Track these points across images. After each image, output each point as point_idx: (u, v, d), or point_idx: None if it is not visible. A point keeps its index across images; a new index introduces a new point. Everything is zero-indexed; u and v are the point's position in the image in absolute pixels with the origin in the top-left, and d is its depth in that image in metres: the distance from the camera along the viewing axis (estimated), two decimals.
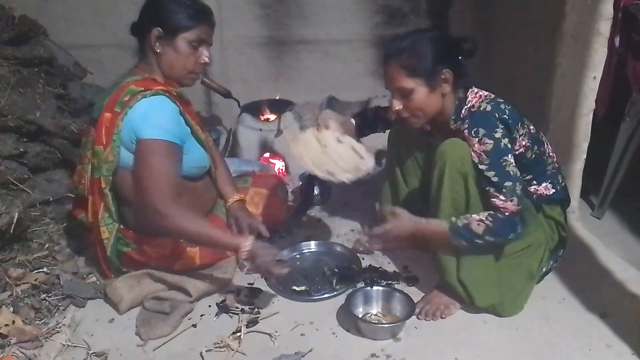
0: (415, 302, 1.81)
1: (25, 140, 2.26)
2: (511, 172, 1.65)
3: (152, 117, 1.72)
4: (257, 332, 1.75)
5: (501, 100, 1.74)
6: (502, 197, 1.64)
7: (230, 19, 3.26)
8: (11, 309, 1.79)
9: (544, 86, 2.26)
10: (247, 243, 1.72)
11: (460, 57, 1.74)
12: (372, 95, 3.25)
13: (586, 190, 2.32)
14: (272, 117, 3.08)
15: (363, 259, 2.14)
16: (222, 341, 1.69)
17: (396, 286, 1.94)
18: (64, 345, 1.68)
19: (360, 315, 1.78)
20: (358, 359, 1.63)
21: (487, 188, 1.66)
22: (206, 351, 1.66)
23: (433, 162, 1.75)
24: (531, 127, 1.77)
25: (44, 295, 1.90)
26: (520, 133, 1.72)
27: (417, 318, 1.79)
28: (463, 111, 1.75)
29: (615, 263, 1.88)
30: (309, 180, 2.63)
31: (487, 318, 1.79)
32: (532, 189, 1.81)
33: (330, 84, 3.48)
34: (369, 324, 1.74)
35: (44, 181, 2.33)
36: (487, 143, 1.64)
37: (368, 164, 1.83)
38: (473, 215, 1.67)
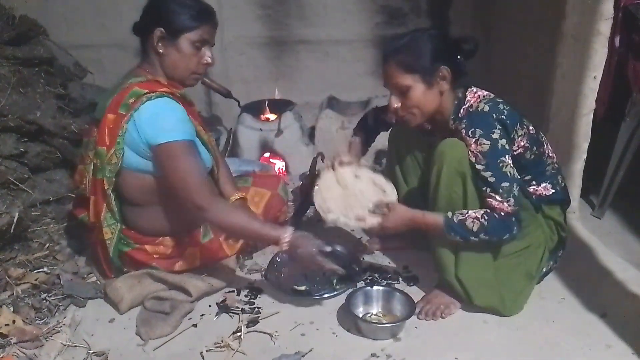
0: (415, 301, 1.81)
1: (25, 140, 2.26)
2: (508, 173, 1.65)
3: (162, 120, 1.72)
4: (257, 331, 1.76)
5: (500, 101, 1.74)
6: (498, 198, 1.64)
7: (231, 19, 3.26)
8: (11, 308, 1.79)
9: (544, 86, 2.26)
10: (287, 234, 1.74)
11: (459, 57, 1.74)
12: (372, 95, 3.25)
13: (586, 190, 2.32)
14: (272, 116, 3.08)
15: (363, 258, 2.14)
16: (222, 341, 1.69)
17: (396, 286, 1.95)
18: (64, 345, 1.68)
19: (360, 315, 1.78)
20: (358, 359, 1.63)
21: (484, 188, 1.66)
22: (206, 351, 1.66)
23: (431, 162, 1.75)
24: (530, 127, 1.77)
25: (45, 295, 1.90)
26: (519, 134, 1.72)
27: (418, 318, 1.79)
28: (461, 111, 1.75)
29: (616, 263, 1.88)
30: (309, 179, 2.63)
31: (487, 318, 1.79)
32: (531, 189, 1.81)
33: (330, 83, 3.48)
34: (369, 324, 1.75)
35: (45, 181, 2.33)
36: (484, 144, 1.64)
37: (392, 197, 1.87)
38: (469, 212, 1.67)
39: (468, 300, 1.78)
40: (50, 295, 1.91)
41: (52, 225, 2.25)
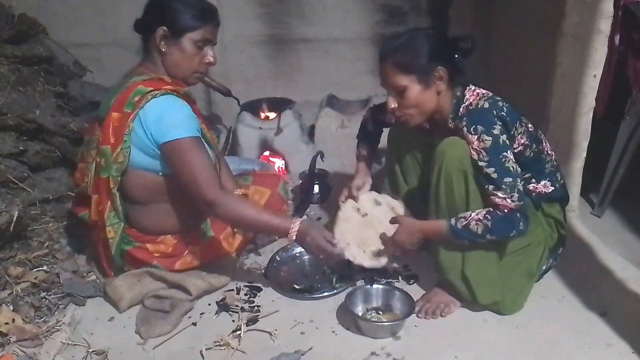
0: (415, 300, 1.81)
1: (25, 138, 2.26)
2: (511, 168, 1.65)
3: (169, 118, 1.73)
4: (257, 330, 1.76)
5: (499, 99, 1.75)
6: (500, 194, 1.64)
7: (231, 17, 3.26)
8: (11, 307, 1.79)
9: (544, 85, 2.26)
10: (296, 224, 1.75)
11: (457, 55, 1.74)
12: (372, 93, 3.25)
13: (586, 189, 2.32)
14: (272, 115, 3.08)
15: None
16: (222, 339, 1.69)
17: (396, 284, 1.95)
18: (63, 344, 1.68)
19: (360, 314, 1.78)
20: (358, 358, 1.63)
21: (486, 186, 1.66)
22: (206, 349, 1.66)
23: (432, 161, 1.75)
24: (529, 125, 1.77)
25: (44, 294, 1.90)
26: (519, 131, 1.72)
27: (417, 316, 1.79)
28: (461, 109, 1.75)
29: (615, 262, 1.88)
30: (309, 178, 2.63)
31: (487, 317, 1.79)
32: (531, 187, 1.81)
33: (330, 82, 3.48)
34: (369, 323, 1.75)
35: (44, 180, 2.33)
36: (486, 140, 1.64)
37: None
38: (471, 215, 1.67)
39: (471, 299, 1.78)
40: (49, 293, 1.90)
41: (51, 224, 2.25)
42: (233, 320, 1.80)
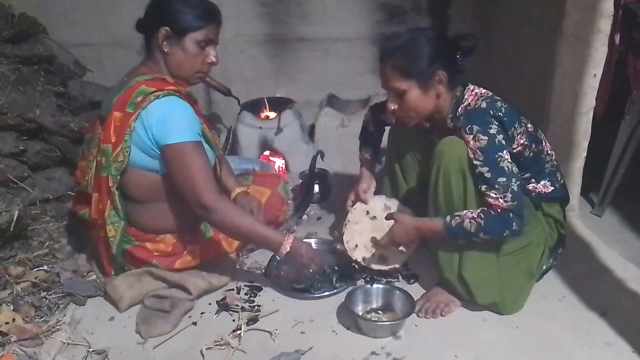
0: (415, 300, 1.81)
1: (25, 138, 2.26)
2: (506, 168, 1.65)
3: (172, 120, 1.73)
4: (257, 330, 1.76)
5: (498, 99, 1.75)
6: (493, 194, 1.64)
7: (231, 17, 3.25)
8: (11, 307, 1.79)
9: (544, 84, 2.26)
10: (289, 240, 1.79)
11: (457, 56, 1.74)
12: (372, 93, 3.25)
13: (586, 188, 2.33)
14: (272, 115, 3.08)
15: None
16: (222, 339, 1.69)
17: (396, 284, 1.95)
18: (64, 343, 1.68)
19: (360, 313, 1.78)
20: (358, 357, 1.63)
21: (480, 185, 1.66)
22: (206, 349, 1.66)
23: (431, 161, 1.75)
24: (529, 125, 1.77)
25: (44, 294, 1.90)
26: (518, 131, 1.72)
27: (417, 316, 1.79)
28: (459, 109, 1.75)
29: (616, 261, 1.88)
30: (309, 178, 2.63)
31: (487, 316, 1.79)
32: (530, 187, 1.81)
33: (330, 82, 3.48)
34: (369, 322, 1.75)
35: (44, 179, 2.33)
36: (481, 139, 1.64)
37: None
38: (466, 213, 1.67)
39: (470, 299, 1.78)
40: (50, 293, 1.91)
41: (51, 224, 2.25)
42: (233, 320, 1.80)
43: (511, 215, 1.65)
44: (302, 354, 1.63)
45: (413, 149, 2.07)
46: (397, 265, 1.97)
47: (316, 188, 2.64)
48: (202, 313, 1.84)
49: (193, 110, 1.80)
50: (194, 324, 1.79)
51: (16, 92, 2.25)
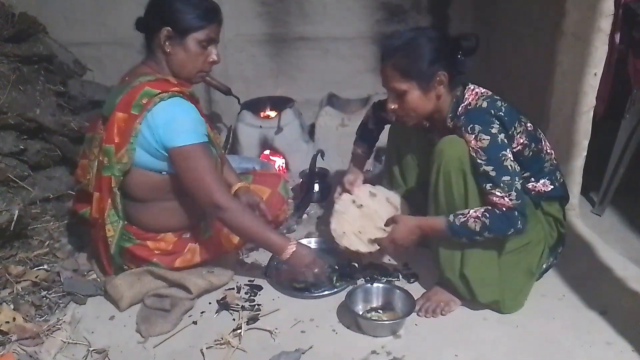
0: (415, 299, 1.81)
1: (25, 137, 2.26)
2: (509, 167, 1.65)
3: (178, 123, 1.74)
4: (257, 329, 1.76)
5: (497, 98, 1.75)
6: (498, 193, 1.64)
7: (231, 16, 3.24)
8: (12, 306, 1.79)
9: (545, 84, 2.26)
10: (291, 247, 1.81)
11: (459, 56, 1.74)
12: (372, 92, 3.25)
13: (586, 188, 2.33)
14: (272, 114, 3.08)
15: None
16: (222, 338, 1.69)
17: (396, 283, 1.95)
18: (64, 343, 1.68)
19: (360, 313, 1.78)
20: (358, 356, 1.63)
21: (484, 185, 1.66)
22: (207, 348, 1.66)
23: (431, 160, 1.75)
24: (528, 124, 1.78)
25: (45, 293, 1.90)
26: (518, 131, 1.72)
27: (417, 315, 1.79)
28: (460, 109, 1.75)
29: (616, 260, 1.88)
30: (310, 177, 2.63)
31: (487, 315, 1.79)
32: (530, 185, 1.81)
33: (330, 81, 3.47)
34: (369, 321, 1.75)
35: (44, 178, 2.34)
36: (483, 139, 1.64)
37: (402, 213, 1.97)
38: (470, 212, 1.67)
39: (471, 298, 1.78)
40: (50, 292, 1.91)
41: (52, 223, 2.25)
42: (234, 319, 1.80)
43: (516, 213, 1.65)
44: (303, 353, 1.63)
45: (413, 148, 2.07)
46: (384, 246, 1.94)
47: (316, 187, 2.64)
48: (202, 312, 1.84)
49: (198, 112, 1.81)
50: (194, 323, 1.79)
51: (16, 91, 2.25)
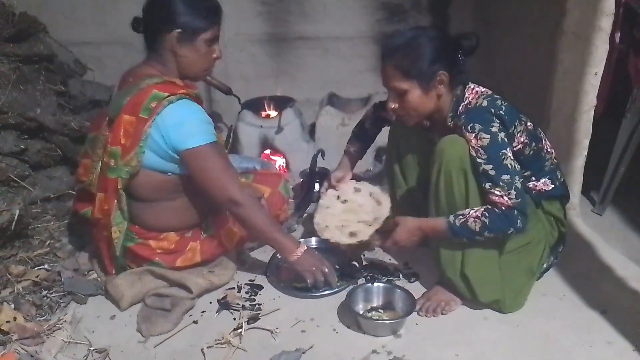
0: (415, 298, 1.81)
1: (25, 137, 2.26)
2: (509, 166, 1.65)
3: (188, 125, 1.76)
4: (258, 328, 1.76)
5: (498, 97, 1.75)
6: (498, 192, 1.64)
7: (231, 15, 3.24)
8: (12, 305, 1.79)
9: (545, 83, 2.26)
10: (300, 250, 1.85)
11: (459, 56, 1.74)
12: (372, 92, 3.24)
13: (587, 187, 2.32)
14: (272, 113, 3.08)
15: (364, 255, 2.14)
16: (223, 338, 1.69)
17: (397, 282, 1.95)
18: (65, 342, 1.69)
19: (361, 312, 1.78)
20: (359, 356, 1.63)
21: (484, 184, 1.66)
22: (207, 347, 1.66)
23: (432, 159, 1.75)
24: (529, 123, 1.77)
25: (45, 292, 1.90)
26: (518, 130, 1.72)
27: (418, 314, 1.79)
28: (460, 108, 1.75)
29: (616, 260, 1.88)
30: (310, 177, 2.63)
31: (487, 314, 1.79)
32: (530, 184, 1.81)
33: (330, 80, 3.47)
34: (370, 321, 1.75)
35: (45, 178, 2.33)
36: (484, 138, 1.64)
37: (384, 209, 1.99)
38: (470, 212, 1.67)
39: (471, 297, 1.78)
40: (51, 292, 1.91)
41: (52, 223, 2.25)
42: (234, 319, 1.80)
43: (515, 212, 1.65)
44: (303, 353, 1.63)
45: (413, 148, 2.07)
46: (376, 243, 1.98)
47: (317, 187, 2.63)
48: (202, 312, 1.85)
49: (205, 112, 1.83)
50: (195, 322, 1.79)
51: (17, 91, 2.25)
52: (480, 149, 1.64)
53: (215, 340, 1.69)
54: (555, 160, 1.87)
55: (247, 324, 1.76)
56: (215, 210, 1.99)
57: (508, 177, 1.64)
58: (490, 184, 1.65)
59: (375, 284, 1.88)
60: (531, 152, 1.76)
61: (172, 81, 1.81)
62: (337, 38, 3.42)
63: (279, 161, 3.01)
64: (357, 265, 2.06)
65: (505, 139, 1.66)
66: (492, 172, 1.64)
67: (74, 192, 2.25)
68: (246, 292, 1.94)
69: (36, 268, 2.00)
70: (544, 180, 1.82)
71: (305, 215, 2.51)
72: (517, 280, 1.80)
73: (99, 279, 1.99)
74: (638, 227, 2.31)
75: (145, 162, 1.78)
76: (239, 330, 1.73)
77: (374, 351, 1.64)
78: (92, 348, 1.67)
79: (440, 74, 1.70)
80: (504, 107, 1.70)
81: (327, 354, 1.64)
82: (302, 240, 2.20)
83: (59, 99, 2.50)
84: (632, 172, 2.38)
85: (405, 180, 2.14)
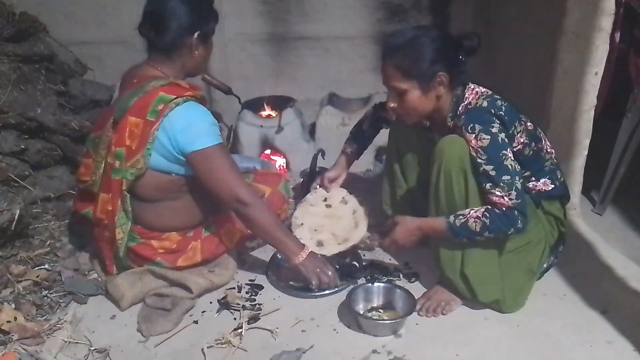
0: (416, 298, 1.81)
1: (26, 137, 2.26)
2: (509, 166, 1.65)
3: (196, 127, 1.78)
4: (258, 328, 1.76)
5: (498, 97, 1.75)
6: (498, 193, 1.64)
7: (231, 15, 3.25)
8: (13, 305, 1.79)
9: (546, 83, 2.26)
10: (304, 253, 1.87)
11: (460, 56, 1.73)
12: (373, 91, 3.24)
13: (587, 187, 2.32)
14: (273, 113, 3.08)
15: (364, 255, 2.14)
16: (223, 337, 1.70)
17: (397, 282, 1.95)
18: (65, 342, 1.69)
19: (361, 312, 1.78)
20: (359, 356, 1.63)
21: (484, 184, 1.66)
22: (207, 347, 1.66)
23: (432, 159, 1.75)
24: (529, 123, 1.77)
25: (46, 292, 1.90)
26: (518, 130, 1.72)
27: (418, 314, 1.79)
28: (460, 108, 1.75)
29: (617, 259, 1.88)
30: (310, 176, 2.63)
31: (488, 314, 1.79)
32: (530, 185, 1.81)
33: (331, 80, 3.47)
34: (370, 321, 1.75)
35: (45, 178, 2.34)
36: (484, 139, 1.64)
37: (358, 234, 2.02)
38: (470, 212, 1.67)
39: (471, 297, 1.78)
40: (51, 292, 1.91)
41: (53, 222, 2.25)
42: (234, 319, 1.81)
43: (516, 213, 1.65)
44: (303, 353, 1.63)
45: (413, 148, 2.07)
46: (326, 255, 1.97)
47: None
48: (203, 311, 1.85)
49: (211, 114, 1.85)
50: (195, 322, 1.80)
51: (17, 90, 2.25)
52: (480, 149, 1.64)
53: (216, 340, 1.69)
54: (555, 160, 1.87)
55: (248, 323, 1.76)
56: (216, 209, 1.99)
57: (508, 177, 1.64)
58: (490, 184, 1.65)
59: (376, 284, 1.88)
60: (531, 152, 1.76)
61: (178, 83, 1.82)
62: (338, 38, 3.42)
63: (279, 161, 3.01)
64: (357, 265, 2.06)
65: (506, 140, 1.66)
66: (493, 173, 1.64)
67: (74, 192, 2.25)
68: (246, 292, 1.94)
69: (36, 268, 2.01)
70: (543, 180, 1.82)
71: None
72: (518, 280, 1.80)
73: (100, 279, 1.99)
74: (638, 227, 2.31)
75: (150, 163, 1.79)
76: (240, 330, 1.73)
77: (374, 351, 1.64)
78: (92, 348, 1.67)
79: (440, 74, 1.70)
80: (504, 108, 1.70)
81: (328, 354, 1.64)
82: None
83: (59, 98, 2.50)
84: (632, 172, 2.38)
85: (405, 180, 2.14)
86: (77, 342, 1.70)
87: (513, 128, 1.71)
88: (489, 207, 1.67)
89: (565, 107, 2.13)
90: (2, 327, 1.67)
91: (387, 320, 1.77)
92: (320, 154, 2.63)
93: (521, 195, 1.66)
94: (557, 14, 2.12)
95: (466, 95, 1.76)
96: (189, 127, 1.76)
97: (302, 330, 1.74)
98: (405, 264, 2.09)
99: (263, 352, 1.65)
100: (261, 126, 2.99)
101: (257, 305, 1.86)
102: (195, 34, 1.82)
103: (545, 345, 1.65)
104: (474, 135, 1.65)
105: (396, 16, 3.40)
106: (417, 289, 1.92)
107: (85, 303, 1.89)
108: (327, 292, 1.90)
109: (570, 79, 2.08)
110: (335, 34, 3.41)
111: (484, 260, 1.74)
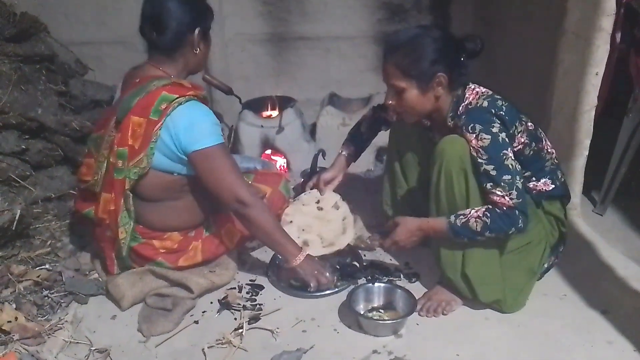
0: (416, 298, 1.81)
1: (26, 137, 2.26)
2: (510, 166, 1.65)
3: (198, 127, 1.78)
4: (258, 328, 1.76)
5: (498, 97, 1.74)
6: (499, 192, 1.64)
7: (232, 15, 3.25)
8: (14, 305, 1.79)
9: (546, 83, 2.26)
10: (302, 256, 1.87)
11: (462, 58, 1.73)
12: (373, 91, 3.24)
13: (588, 187, 2.32)
14: (273, 113, 3.08)
15: (365, 255, 2.14)
16: (224, 337, 1.70)
17: (398, 282, 1.95)
18: (66, 342, 1.69)
19: (361, 312, 1.78)
20: (359, 356, 1.63)
21: (485, 184, 1.66)
22: (208, 347, 1.66)
23: (432, 159, 1.75)
24: (529, 123, 1.77)
25: (46, 292, 1.91)
26: (519, 130, 1.72)
27: (419, 314, 1.79)
28: (460, 108, 1.75)
29: (617, 259, 1.88)
30: (311, 176, 2.63)
31: (488, 314, 1.79)
32: (531, 185, 1.81)
33: (331, 80, 3.48)
34: (371, 321, 1.75)
35: (46, 178, 2.34)
36: (484, 138, 1.64)
37: (344, 240, 2.05)
38: (471, 212, 1.67)
39: (472, 297, 1.78)
40: (52, 292, 1.91)
41: (53, 222, 2.25)
42: (235, 319, 1.81)
43: (517, 212, 1.65)
44: (304, 353, 1.63)
45: (414, 148, 2.07)
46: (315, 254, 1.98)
47: None
48: (203, 312, 1.85)
49: (213, 114, 1.85)
50: (196, 322, 1.80)
51: (18, 91, 2.26)
52: (480, 149, 1.64)
53: (216, 340, 1.70)
54: (555, 160, 1.87)
55: (248, 323, 1.77)
56: (216, 209, 1.99)
57: (509, 177, 1.64)
58: (491, 184, 1.65)
59: (376, 284, 1.88)
60: (531, 152, 1.76)
61: (180, 83, 1.83)
62: (338, 38, 3.42)
63: (280, 161, 3.01)
64: (357, 265, 2.06)
65: (506, 140, 1.66)
66: (494, 173, 1.64)
67: (75, 192, 2.25)
68: (247, 292, 1.94)
69: (37, 268, 2.01)
70: (544, 180, 1.82)
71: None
72: (518, 280, 1.80)
73: (100, 279, 1.99)
74: (639, 227, 2.30)
75: (153, 163, 1.79)
76: (240, 330, 1.73)
77: (375, 351, 1.64)
78: (93, 348, 1.67)
79: (440, 76, 1.70)
80: (504, 108, 1.70)
81: (328, 354, 1.64)
82: None
83: (60, 98, 2.51)
84: (633, 172, 2.37)
85: (405, 180, 2.14)
86: (77, 342, 1.70)
87: (514, 128, 1.71)
88: (490, 206, 1.67)
89: (565, 107, 2.13)
90: (3, 327, 1.67)
91: (387, 320, 1.77)
92: (320, 154, 2.63)
93: (522, 195, 1.66)
94: (558, 14, 2.12)
95: (466, 95, 1.76)
96: (191, 126, 1.77)
97: (303, 331, 1.75)
98: (406, 264, 2.09)
99: (264, 352, 1.65)
100: (262, 126, 2.99)
101: (258, 306, 1.86)
102: (196, 31, 1.83)
103: (546, 345, 1.65)
104: (474, 135, 1.65)
105: (396, 16, 3.40)
106: (417, 289, 1.92)
107: (86, 303, 1.89)
108: (327, 292, 1.90)
109: (570, 79, 2.08)
110: (335, 34, 3.41)
111: (484, 260, 1.74)
